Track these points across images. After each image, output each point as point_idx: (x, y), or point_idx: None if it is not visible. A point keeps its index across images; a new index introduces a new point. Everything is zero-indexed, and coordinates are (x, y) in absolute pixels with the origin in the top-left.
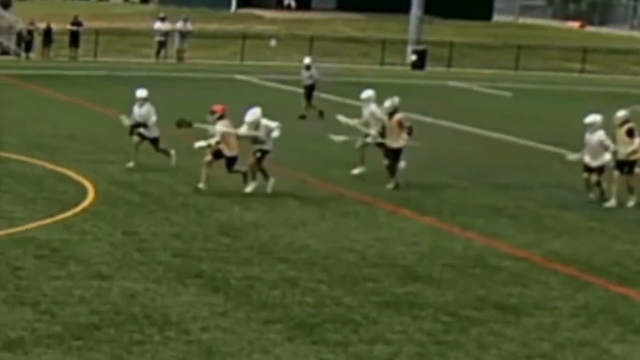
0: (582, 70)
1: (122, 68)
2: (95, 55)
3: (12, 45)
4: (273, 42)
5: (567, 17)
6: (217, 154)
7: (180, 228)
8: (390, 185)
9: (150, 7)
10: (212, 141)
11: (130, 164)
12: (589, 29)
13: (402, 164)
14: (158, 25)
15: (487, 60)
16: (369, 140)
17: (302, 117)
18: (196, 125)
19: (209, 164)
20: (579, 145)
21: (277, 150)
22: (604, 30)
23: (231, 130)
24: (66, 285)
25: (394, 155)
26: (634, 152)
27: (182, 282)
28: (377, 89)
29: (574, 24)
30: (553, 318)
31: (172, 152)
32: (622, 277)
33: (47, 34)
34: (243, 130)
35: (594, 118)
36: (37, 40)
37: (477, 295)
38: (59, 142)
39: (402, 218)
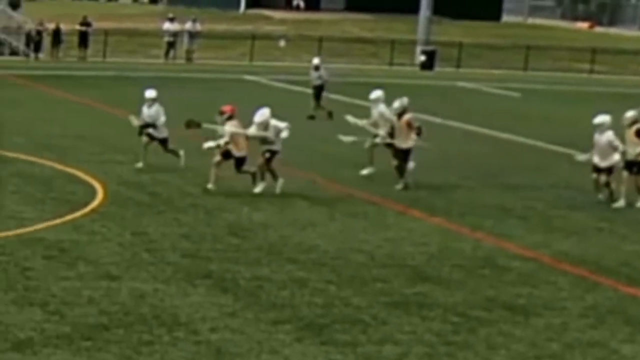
0: (591, 71)
1: (131, 68)
2: (104, 56)
3: (21, 46)
4: (282, 43)
5: (576, 18)
6: (226, 155)
7: (189, 228)
8: (399, 186)
9: (159, 7)
10: (221, 141)
11: (139, 165)
12: (598, 29)
13: (411, 165)
14: (167, 25)
15: (496, 61)
16: (377, 140)
17: (311, 117)
18: (205, 125)
19: (218, 164)
20: (588, 145)
21: (286, 151)
22: (613, 30)
23: (240, 130)
24: (75, 285)
25: (403, 155)
26: None
27: (191, 282)
28: (386, 89)
29: (583, 25)
30: (562, 318)
31: (181, 152)
32: (631, 277)
33: (56, 35)
34: (252, 130)
35: (602, 118)
36: (46, 40)
37: (486, 296)
38: (68, 143)
39: (411, 218)
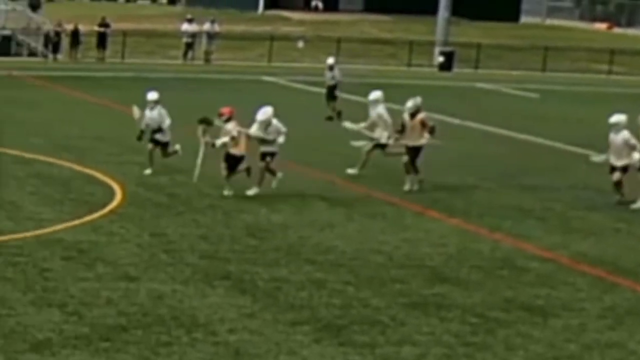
0: (610, 72)
1: (149, 69)
2: (122, 57)
3: (40, 47)
4: (300, 44)
5: (594, 19)
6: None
7: (207, 230)
8: (406, 187)
9: (177, 8)
10: (234, 132)
11: (148, 171)
12: (617, 30)
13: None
14: (185, 26)
15: (514, 62)
16: (384, 140)
17: (330, 118)
18: (217, 124)
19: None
20: (606, 146)
21: (305, 152)
22: (631, 31)
23: (243, 129)
24: (94, 286)
25: (414, 153)
26: None
27: (209, 283)
28: (405, 90)
29: (602, 26)
30: (580, 319)
31: (177, 146)
32: None
33: (75, 36)
34: (254, 129)
35: (618, 118)
36: (65, 41)
37: (505, 297)
38: (87, 144)
39: (429, 219)
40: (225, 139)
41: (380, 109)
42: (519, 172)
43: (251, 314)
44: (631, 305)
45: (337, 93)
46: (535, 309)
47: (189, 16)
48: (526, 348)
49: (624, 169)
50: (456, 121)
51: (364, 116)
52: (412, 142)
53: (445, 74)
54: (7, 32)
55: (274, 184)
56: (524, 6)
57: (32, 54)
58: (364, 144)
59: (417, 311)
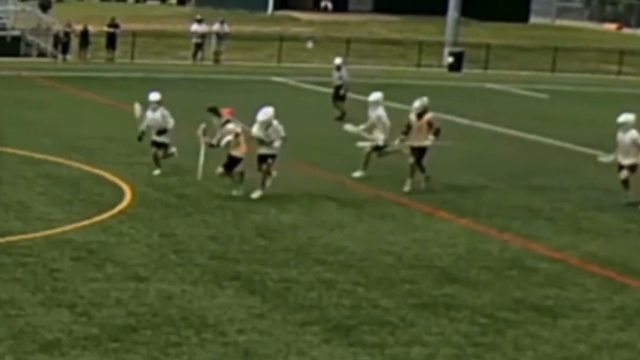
0: (619, 72)
1: (159, 70)
2: (132, 57)
3: (49, 47)
4: (310, 44)
5: (603, 19)
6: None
7: (216, 230)
8: (406, 188)
9: (187, 9)
10: (239, 129)
11: (157, 172)
12: (626, 31)
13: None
14: (195, 27)
15: (523, 62)
16: (381, 143)
17: (339, 118)
18: (215, 124)
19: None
20: (615, 146)
21: (314, 152)
22: None
23: (246, 127)
24: (103, 287)
25: (419, 154)
26: None
27: (218, 284)
28: (414, 90)
29: (611, 26)
30: (590, 320)
31: (174, 149)
32: None
33: (84, 36)
34: (255, 129)
35: (626, 117)
36: (74, 42)
37: (514, 297)
38: (96, 144)
39: (438, 220)
40: (229, 137)
41: (380, 111)
42: (528, 172)
43: (261, 314)
44: None
45: (342, 92)
46: (545, 309)
47: (198, 17)
48: (535, 348)
49: (632, 168)
50: (465, 122)
51: (362, 116)
52: (417, 143)
53: (454, 74)
54: (16, 33)
55: (268, 182)
56: (534, 7)
57: (41, 54)
58: (368, 145)
59: (427, 312)
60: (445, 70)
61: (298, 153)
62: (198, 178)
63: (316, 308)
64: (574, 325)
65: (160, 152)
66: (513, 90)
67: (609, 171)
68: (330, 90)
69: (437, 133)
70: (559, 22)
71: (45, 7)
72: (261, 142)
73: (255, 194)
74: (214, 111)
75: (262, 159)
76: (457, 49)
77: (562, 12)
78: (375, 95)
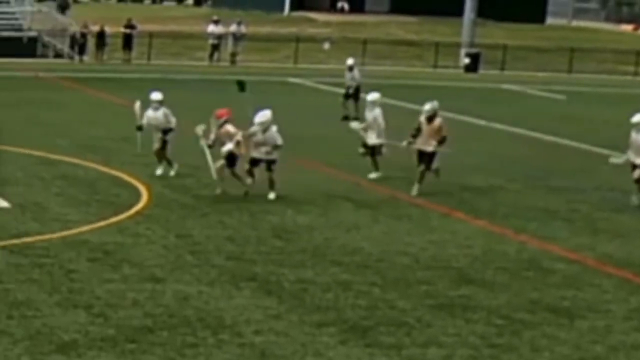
0: (636, 73)
1: (175, 71)
2: (148, 58)
3: (66, 48)
4: (327, 46)
5: (620, 20)
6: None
7: (233, 231)
8: (413, 192)
9: (203, 10)
10: (239, 137)
11: (159, 171)
12: None
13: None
14: (211, 28)
15: (540, 63)
16: (372, 142)
17: (356, 119)
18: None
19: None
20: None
21: (330, 153)
22: None
23: (245, 132)
24: (119, 288)
25: (428, 160)
26: None
27: (235, 285)
28: (430, 91)
29: (628, 27)
30: (606, 321)
31: (175, 165)
32: None
33: (101, 37)
34: (253, 128)
35: None
36: (91, 43)
37: (530, 298)
38: (112, 145)
39: (455, 221)
40: (230, 146)
41: (377, 112)
42: (545, 173)
43: (277, 315)
44: None
45: (350, 91)
46: (561, 310)
47: (215, 17)
48: (552, 349)
49: None
50: (482, 122)
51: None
52: (424, 147)
53: (471, 75)
54: (33, 34)
55: (248, 185)
56: (550, 8)
57: (58, 55)
58: (383, 142)
59: (443, 312)
60: (461, 71)
61: (314, 154)
62: (214, 177)
63: (333, 309)
64: (590, 326)
65: (163, 152)
66: (530, 91)
67: (626, 172)
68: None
69: (442, 141)
70: (575, 23)
71: (63, 7)
72: (262, 144)
73: (271, 195)
74: (241, 84)
75: (255, 162)
76: (474, 50)
77: (579, 13)
78: (373, 96)
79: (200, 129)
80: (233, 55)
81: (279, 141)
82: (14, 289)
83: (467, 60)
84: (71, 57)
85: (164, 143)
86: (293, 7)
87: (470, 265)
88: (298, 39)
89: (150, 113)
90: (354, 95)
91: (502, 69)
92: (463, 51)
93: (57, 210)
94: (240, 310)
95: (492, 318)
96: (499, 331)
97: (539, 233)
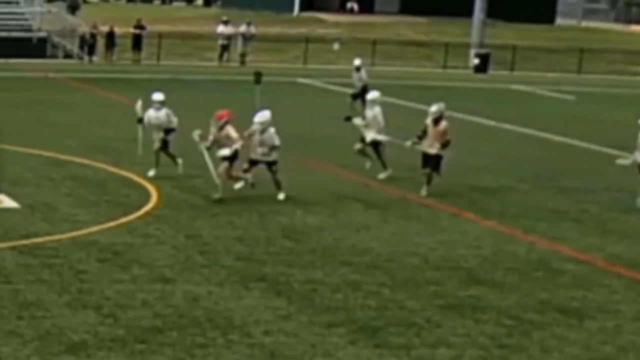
0: None
1: (185, 71)
2: (158, 59)
3: (75, 49)
4: (336, 46)
5: (630, 21)
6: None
7: (243, 231)
8: (422, 193)
9: (213, 10)
10: (238, 145)
11: (152, 172)
12: None
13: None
14: (221, 28)
15: (550, 64)
16: (369, 139)
17: (348, 119)
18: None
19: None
20: None
21: (339, 153)
22: None
23: (244, 135)
24: (129, 288)
25: (433, 161)
26: None
27: (245, 285)
28: (440, 92)
29: (637, 28)
30: (616, 321)
31: (179, 160)
32: None
33: (110, 38)
34: (253, 128)
35: None
36: (100, 43)
37: (540, 299)
38: (122, 145)
39: (464, 221)
40: (226, 152)
41: (377, 110)
42: (554, 174)
43: (287, 315)
44: None
45: (357, 92)
46: (571, 311)
47: (224, 18)
48: (561, 350)
49: None
50: (492, 123)
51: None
52: (428, 149)
53: (480, 75)
54: (42, 34)
55: (238, 185)
56: (560, 8)
57: (67, 55)
58: (386, 139)
59: (453, 313)
60: (471, 71)
61: (323, 154)
62: (216, 182)
63: (342, 309)
64: (600, 327)
65: (164, 152)
66: (539, 91)
67: (635, 173)
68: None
69: (445, 145)
70: (585, 23)
71: (74, 8)
72: (254, 145)
73: (280, 196)
74: (258, 76)
75: (253, 163)
76: (483, 51)
77: (588, 14)
78: (373, 94)
79: (196, 134)
80: (242, 55)
81: (277, 142)
82: (23, 290)
83: (476, 61)
84: (81, 58)
85: (165, 143)
86: (302, 8)
87: (479, 266)
88: (307, 40)
89: (152, 113)
90: (361, 95)
91: (512, 69)
92: (472, 52)
93: (66, 211)
94: (249, 311)
95: (501, 318)
96: (508, 332)
97: (548, 233)
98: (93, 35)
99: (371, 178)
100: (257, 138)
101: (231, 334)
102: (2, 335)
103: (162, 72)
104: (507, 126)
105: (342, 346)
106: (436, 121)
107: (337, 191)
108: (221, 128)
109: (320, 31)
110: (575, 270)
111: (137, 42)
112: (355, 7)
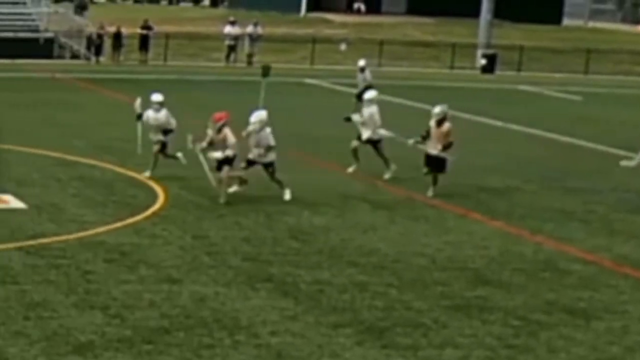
0: None
1: (192, 72)
2: (165, 59)
3: (82, 49)
4: (343, 47)
5: (637, 21)
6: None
7: (249, 232)
8: (429, 193)
9: (220, 10)
10: (229, 152)
11: (147, 173)
12: None
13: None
14: (228, 29)
15: (556, 64)
16: (364, 137)
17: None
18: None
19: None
20: None
21: (346, 154)
22: None
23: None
24: (136, 289)
25: (435, 162)
26: None
27: (251, 286)
28: (447, 92)
29: None
30: (623, 322)
31: (179, 154)
32: None
33: (117, 38)
34: (250, 128)
35: None
36: (107, 44)
37: (547, 299)
38: (129, 146)
39: (471, 221)
40: (219, 155)
41: (373, 109)
42: (561, 174)
43: (293, 316)
44: None
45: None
46: (578, 311)
47: (231, 18)
48: (568, 350)
49: None
50: (499, 123)
51: (394, 118)
52: (430, 150)
53: (487, 76)
54: (49, 35)
55: (232, 189)
56: (567, 9)
57: (74, 56)
58: (388, 135)
59: (460, 313)
60: (478, 72)
61: (330, 155)
62: (213, 186)
63: (349, 310)
64: (607, 327)
65: (160, 154)
66: (546, 92)
67: (639, 174)
68: None
69: (447, 146)
70: (592, 24)
71: (82, 8)
72: (251, 145)
73: (286, 196)
74: (266, 70)
75: (250, 163)
76: (490, 51)
77: (595, 14)
78: (371, 94)
79: (189, 140)
80: (249, 56)
81: (272, 142)
82: (30, 290)
83: (483, 61)
84: (88, 58)
85: (164, 145)
86: (309, 8)
87: (486, 266)
88: (314, 40)
89: (150, 114)
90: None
91: (519, 70)
92: (479, 52)
93: (73, 211)
94: (256, 311)
95: (508, 319)
96: (515, 332)
97: (555, 234)
98: (100, 36)
99: (377, 178)
100: (253, 138)
101: (238, 335)
102: (9, 336)
103: (169, 72)
104: (514, 127)
105: (349, 347)
106: (439, 122)
107: (343, 192)
108: (219, 130)
109: (327, 32)
110: (582, 270)
111: (144, 43)
112: (362, 7)
